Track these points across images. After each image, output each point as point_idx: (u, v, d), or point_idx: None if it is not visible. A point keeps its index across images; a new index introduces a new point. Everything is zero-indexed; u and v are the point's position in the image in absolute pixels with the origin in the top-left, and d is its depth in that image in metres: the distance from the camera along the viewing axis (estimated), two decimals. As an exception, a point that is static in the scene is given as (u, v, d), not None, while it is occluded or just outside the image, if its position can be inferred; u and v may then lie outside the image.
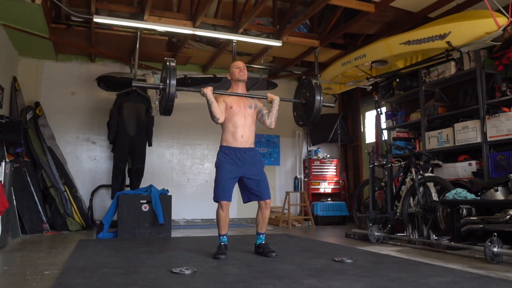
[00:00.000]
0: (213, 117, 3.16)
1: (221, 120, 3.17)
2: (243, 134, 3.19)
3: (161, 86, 3.04)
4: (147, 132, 5.61)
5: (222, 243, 3.16)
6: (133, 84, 3.28)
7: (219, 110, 3.15)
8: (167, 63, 3.00)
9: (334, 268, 2.62)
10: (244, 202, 3.31)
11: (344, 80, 5.81)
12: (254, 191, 3.20)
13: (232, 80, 3.34)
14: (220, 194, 3.12)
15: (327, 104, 3.58)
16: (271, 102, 3.34)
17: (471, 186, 3.93)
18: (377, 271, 2.50)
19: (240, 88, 3.32)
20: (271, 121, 3.29)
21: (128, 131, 5.44)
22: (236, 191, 3.30)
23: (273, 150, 7.15)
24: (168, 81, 2.93)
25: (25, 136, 5.22)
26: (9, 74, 5.40)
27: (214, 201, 3.18)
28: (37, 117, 5.53)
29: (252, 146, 3.27)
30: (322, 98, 3.37)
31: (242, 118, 3.21)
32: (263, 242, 3.24)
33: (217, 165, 3.19)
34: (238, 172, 3.16)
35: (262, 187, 3.20)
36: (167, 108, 3.01)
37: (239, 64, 3.34)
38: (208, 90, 3.14)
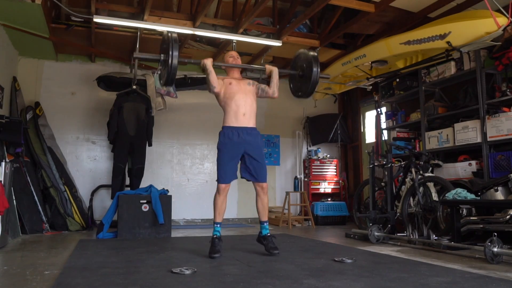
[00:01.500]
0: (209, 85, 3.24)
1: (217, 89, 3.23)
2: (245, 112, 3.23)
3: (162, 57, 3.09)
4: (147, 132, 5.60)
5: (215, 236, 3.13)
6: (134, 55, 3.28)
7: (216, 80, 3.24)
8: (169, 34, 3.04)
9: (334, 268, 2.62)
10: (242, 176, 3.31)
11: (344, 80, 5.81)
12: (252, 171, 3.24)
13: (227, 69, 3.46)
14: (219, 177, 3.18)
15: (324, 75, 3.68)
16: (270, 73, 3.45)
17: (471, 186, 3.93)
18: (377, 271, 2.50)
19: (236, 74, 3.41)
20: (273, 90, 3.39)
21: (128, 131, 5.44)
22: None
23: (273, 150, 7.15)
24: (170, 52, 2.97)
25: (25, 136, 5.21)
26: (9, 74, 5.40)
27: (216, 181, 3.23)
28: (37, 117, 5.53)
29: (254, 126, 3.29)
30: (319, 70, 3.45)
31: (243, 95, 3.26)
32: (268, 234, 3.22)
33: (219, 147, 3.24)
34: (240, 151, 3.20)
35: (260, 169, 3.25)
36: (169, 78, 3.05)
37: (233, 53, 3.50)
38: (208, 61, 3.26)
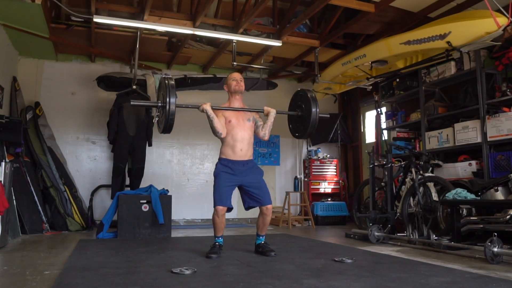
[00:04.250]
0: (215, 132, 3.20)
1: (223, 134, 3.21)
2: (242, 148, 3.22)
3: (159, 104, 3.05)
4: (147, 132, 5.61)
5: (217, 243, 3.21)
6: (131, 103, 3.17)
7: (220, 125, 3.19)
8: (165, 81, 3.02)
9: (334, 268, 2.62)
10: (245, 208, 3.32)
11: (344, 80, 5.81)
12: (254, 197, 3.23)
13: (229, 92, 3.37)
14: (216, 200, 3.15)
15: (323, 115, 3.59)
16: (267, 115, 3.38)
17: (471, 186, 3.93)
18: (377, 271, 2.50)
19: (237, 100, 3.34)
20: (264, 133, 3.33)
21: (128, 131, 5.44)
22: (236, 191, 3.31)
23: (273, 150, 7.15)
24: (168, 99, 2.94)
25: (25, 136, 5.21)
26: (9, 74, 5.40)
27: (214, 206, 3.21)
28: (37, 117, 5.53)
29: (251, 158, 3.30)
30: (318, 110, 3.40)
31: (241, 132, 3.24)
32: (263, 242, 3.27)
33: (215, 175, 3.24)
34: (236, 181, 3.21)
35: (262, 192, 3.23)
36: (167, 127, 3.03)
37: (236, 76, 3.36)
38: (207, 106, 3.18)
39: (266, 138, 3.34)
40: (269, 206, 3.23)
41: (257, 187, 3.22)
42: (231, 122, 3.23)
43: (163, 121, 3.03)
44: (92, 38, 5.49)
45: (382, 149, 5.88)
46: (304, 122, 3.48)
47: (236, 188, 3.27)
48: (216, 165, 3.27)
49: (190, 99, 6.51)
